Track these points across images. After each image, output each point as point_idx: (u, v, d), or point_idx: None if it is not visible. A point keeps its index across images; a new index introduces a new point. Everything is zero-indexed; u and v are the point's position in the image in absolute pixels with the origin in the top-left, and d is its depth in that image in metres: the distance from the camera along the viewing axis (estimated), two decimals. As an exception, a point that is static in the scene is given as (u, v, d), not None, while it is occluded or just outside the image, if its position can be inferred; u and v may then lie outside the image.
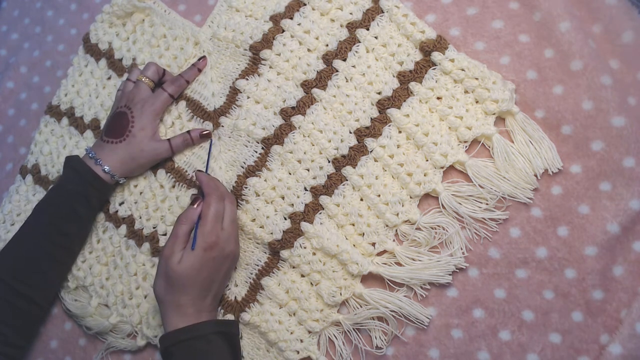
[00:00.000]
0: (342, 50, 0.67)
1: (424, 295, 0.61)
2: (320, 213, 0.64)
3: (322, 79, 0.67)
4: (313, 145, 0.66)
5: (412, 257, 0.61)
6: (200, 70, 0.72)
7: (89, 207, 0.68)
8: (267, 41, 0.69)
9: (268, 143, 0.67)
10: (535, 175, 0.59)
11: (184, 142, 0.69)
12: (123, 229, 0.71)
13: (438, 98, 0.64)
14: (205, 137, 0.69)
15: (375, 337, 0.61)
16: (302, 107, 0.67)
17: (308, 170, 0.65)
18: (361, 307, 0.62)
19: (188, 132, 0.69)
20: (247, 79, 0.70)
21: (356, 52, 0.67)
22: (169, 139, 0.69)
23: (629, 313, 0.55)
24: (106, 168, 0.67)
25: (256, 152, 0.68)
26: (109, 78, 0.77)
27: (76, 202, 0.66)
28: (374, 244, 0.63)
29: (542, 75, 0.61)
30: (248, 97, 0.69)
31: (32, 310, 0.65)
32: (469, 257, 0.60)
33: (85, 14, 0.84)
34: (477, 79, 0.62)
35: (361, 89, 0.66)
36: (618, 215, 0.56)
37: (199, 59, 0.72)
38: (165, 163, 0.71)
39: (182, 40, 0.74)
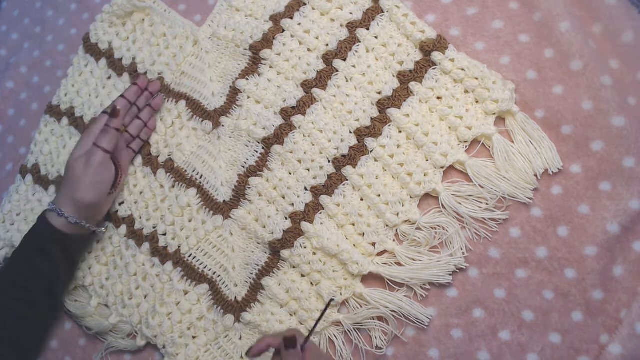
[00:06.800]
0: (342, 50, 0.67)
1: (424, 295, 0.61)
2: (320, 213, 0.64)
3: (322, 79, 0.67)
4: (313, 145, 0.66)
5: (412, 257, 0.61)
6: (155, 109, 0.72)
7: (50, 262, 0.64)
8: (267, 41, 0.69)
9: (268, 143, 0.67)
10: (535, 175, 0.60)
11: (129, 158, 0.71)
12: (123, 229, 0.71)
13: (438, 98, 0.64)
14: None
15: (375, 337, 0.61)
16: (302, 107, 0.67)
17: (308, 170, 0.65)
18: (361, 307, 0.62)
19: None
20: (247, 79, 0.70)
21: (356, 51, 0.67)
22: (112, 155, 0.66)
23: (629, 313, 0.55)
24: (73, 218, 0.63)
25: (257, 152, 0.68)
26: (109, 78, 0.77)
27: (35, 258, 0.63)
28: (374, 244, 0.63)
29: (542, 75, 0.61)
30: (248, 97, 0.69)
31: None
32: (469, 257, 0.60)
33: (85, 14, 0.84)
34: (477, 78, 0.62)
35: (361, 88, 0.66)
36: (618, 215, 0.56)
37: (154, 97, 0.72)
38: (165, 163, 0.71)
39: (181, 39, 0.74)
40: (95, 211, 0.66)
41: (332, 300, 0.56)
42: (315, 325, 0.54)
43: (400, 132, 0.64)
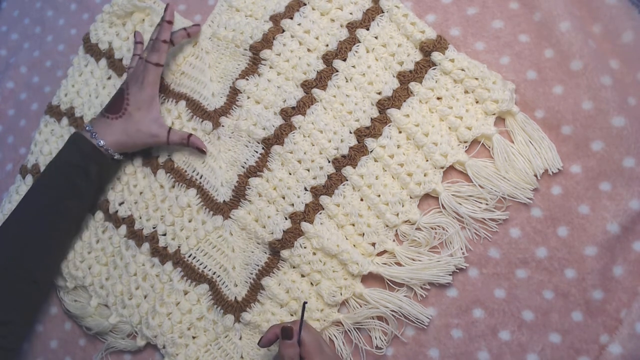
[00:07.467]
0: (342, 50, 0.67)
1: (424, 295, 0.61)
2: (320, 213, 0.64)
3: (322, 79, 0.67)
4: (313, 145, 0.66)
5: (412, 257, 0.61)
6: (189, 35, 0.71)
7: (88, 180, 0.67)
8: (267, 41, 0.69)
9: (268, 143, 0.67)
10: (535, 176, 0.60)
11: (180, 140, 0.68)
12: (123, 229, 0.71)
13: (438, 98, 0.64)
14: (201, 151, 0.69)
15: (375, 337, 0.61)
16: (302, 107, 0.67)
17: (308, 170, 0.65)
18: (361, 307, 0.62)
19: (189, 135, 0.68)
20: (247, 79, 0.70)
21: (356, 52, 0.67)
22: (169, 128, 0.69)
23: (629, 313, 0.55)
24: (101, 142, 0.66)
25: (257, 152, 0.68)
26: (109, 78, 0.77)
27: (76, 175, 0.66)
28: (374, 244, 0.63)
29: (542, 75, 0.61)
30: (248, 97, 0.69)
31: (32, 291, 0.65)
32: (469, 257, 0.61)
33: (85, 14, 0.84)
34: (477, 79, 0.62)
35: (361, 89, 0.66)
36: (618, 215, 0.56)
37: (192, 25, 0.72)
38: (165, 163, 0.71)
39: (182, 40, 0.74)
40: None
41: (305, 303, 0.57)
42: (300, 330, 0.55)
43: (400, 132, 0.64)
